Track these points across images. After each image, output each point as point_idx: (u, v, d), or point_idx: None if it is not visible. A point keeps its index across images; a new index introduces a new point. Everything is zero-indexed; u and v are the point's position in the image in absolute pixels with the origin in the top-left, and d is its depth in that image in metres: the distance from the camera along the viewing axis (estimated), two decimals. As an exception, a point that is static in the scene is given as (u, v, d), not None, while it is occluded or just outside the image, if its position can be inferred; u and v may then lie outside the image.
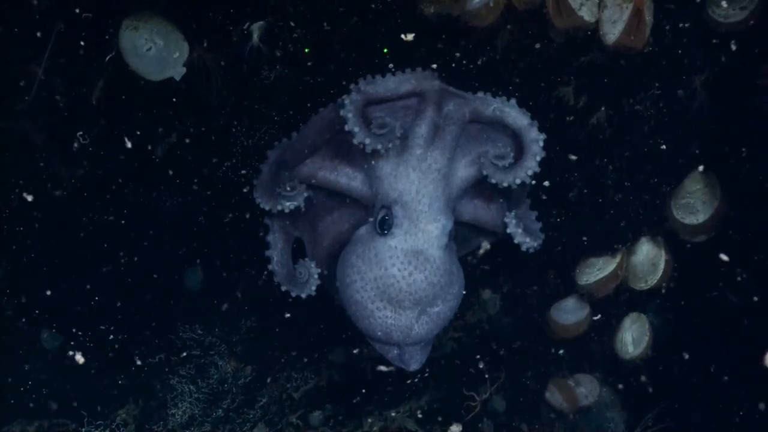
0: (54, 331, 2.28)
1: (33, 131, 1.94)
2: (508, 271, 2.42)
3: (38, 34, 1.82)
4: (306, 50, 1.89)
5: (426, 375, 2.56)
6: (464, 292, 1.78)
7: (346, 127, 1.68)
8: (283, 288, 1.87)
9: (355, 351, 2.48)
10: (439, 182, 1.73)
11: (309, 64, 1.91)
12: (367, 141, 1.66)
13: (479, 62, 1.95)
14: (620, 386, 2.66)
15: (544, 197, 2.09)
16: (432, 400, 2.61)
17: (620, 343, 2.50)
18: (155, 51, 1.82)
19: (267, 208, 1.82)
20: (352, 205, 1.90)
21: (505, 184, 1.72)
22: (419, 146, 1.73)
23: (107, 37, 1.83)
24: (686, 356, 2.53)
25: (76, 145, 1.97)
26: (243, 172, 2.06)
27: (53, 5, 1.79)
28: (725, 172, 2.19)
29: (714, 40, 1.99)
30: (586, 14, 1.88)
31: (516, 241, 1.78)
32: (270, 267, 1.90)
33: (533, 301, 2.48)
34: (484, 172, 1.73)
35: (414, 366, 1.82)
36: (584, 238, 2.26)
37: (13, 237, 2.11)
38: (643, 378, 2.61)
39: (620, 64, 1.97)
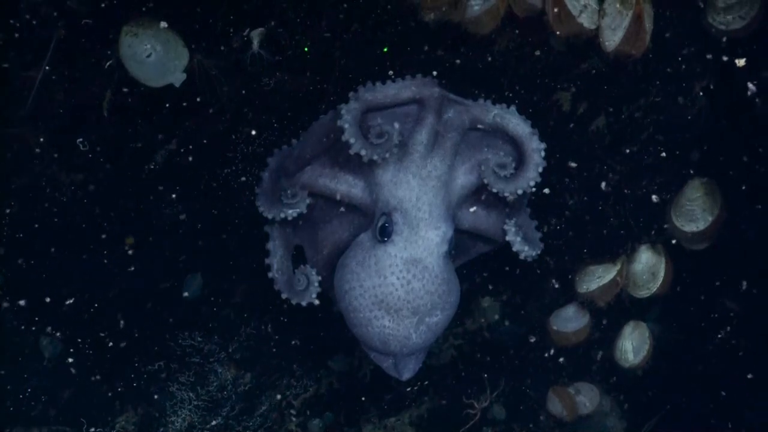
0: (53, 338, 2.27)
1: (33, 137, 1.94)
2: (508, 278, 2.41)
3: (38, 41, 1.82)
4: (306, 49, 1.89)
5: (425, 383, 2.56)
6: (459, 302, 1.77)
7: (343, 138, 1.67)
8: (284, 295, 1.86)
9: (354, 362, 2.48)
10: (440, 189, 1.72)
11: (309, 71, 1.91)
12: (363, 152, 1.66)
13: (479, 69, 1.95)
14: (620, 394, 2.65)
15: (543, 204, 2.09)
16: (431, 408, 2.60)
17: (620, 352, 2.49)
18: (155, 57, 1.82)
19: (270, 216, 1.81)
20: (352, 212, 1.89)
21: (506, 194, 1.71)
22: (419, 153, 1.72)
23: (107, 43, 1.83)
24: (686, 364, 2.52)
25: (76, 151, 1.97)
26: (243, 179, 2.06)
27: (53, 11, 1.79)
28: (725, 179, 2.19)
29: (714, 48, 1.99)
30: (586, 21, 1.88)
31: (515, 249, 1.77)
32: (270, 275, 1.89)
33: (533, 309, 2.47)
34: (485, 181, 1.73)
35: (407, 375, 1.81)
36: (584, 246, 2.26)
37: (13, 243, 2.11)
38: (642, 386, 2.60)
39: (620, 71, 1.97)
